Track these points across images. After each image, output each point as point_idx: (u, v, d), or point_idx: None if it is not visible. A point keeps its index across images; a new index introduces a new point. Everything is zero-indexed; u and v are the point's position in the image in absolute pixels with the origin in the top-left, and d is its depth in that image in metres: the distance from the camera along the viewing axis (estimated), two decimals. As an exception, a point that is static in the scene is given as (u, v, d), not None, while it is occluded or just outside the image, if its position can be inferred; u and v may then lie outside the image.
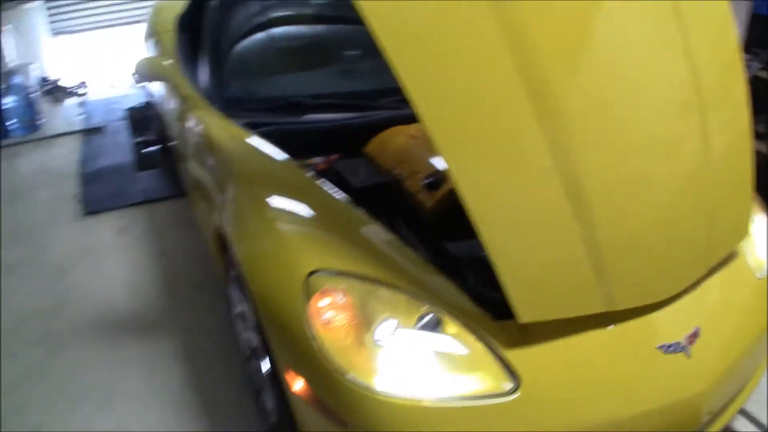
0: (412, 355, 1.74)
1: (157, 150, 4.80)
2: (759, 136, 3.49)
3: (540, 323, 1.79)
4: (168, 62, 3.31)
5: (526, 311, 1.73)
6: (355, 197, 2.25)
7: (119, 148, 5.18)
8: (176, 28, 3.85)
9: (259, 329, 2.09)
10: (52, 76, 6.76)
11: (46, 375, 2.91)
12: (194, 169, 2.95)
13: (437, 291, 1.88)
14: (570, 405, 1.74)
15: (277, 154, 2.48)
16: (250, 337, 2.36)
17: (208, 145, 2.72)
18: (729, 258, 2.16)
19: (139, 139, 5.11)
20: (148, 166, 4.79)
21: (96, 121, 5.75)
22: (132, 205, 4.32)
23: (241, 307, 2.41)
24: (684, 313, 1.93)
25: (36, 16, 6.82)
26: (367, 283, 1.85)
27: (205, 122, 2.84)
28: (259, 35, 3.40)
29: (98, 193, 4.47)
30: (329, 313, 1.80)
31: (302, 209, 2.18)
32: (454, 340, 1.77)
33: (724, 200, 2.07)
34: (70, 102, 6.41)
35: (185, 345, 2.99)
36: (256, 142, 2.59)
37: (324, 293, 1.82)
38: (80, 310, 3.33)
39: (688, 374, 1.83)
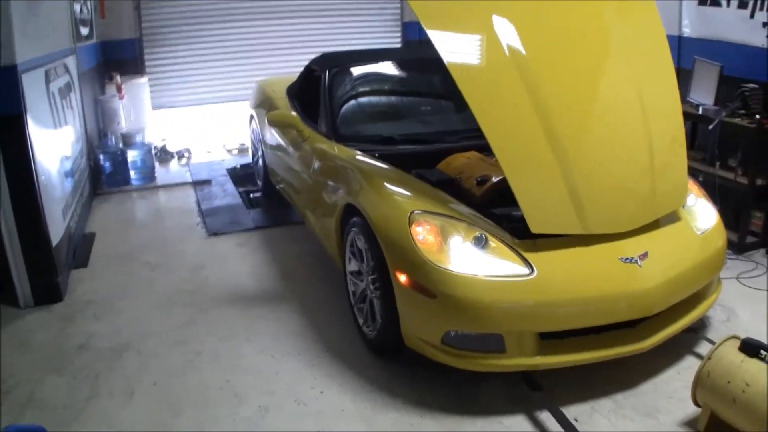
0: (471, 255, 3.22)
1: (261, 195, 6.53)
2: (729, 168, 5.00)
3: (544, 240, 3.27)
4: (293, 114, 4.96)
5: (535, 225, 3.24)
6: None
7: (227, 195, 6.82)
8: (287, 95, 5.58)
9: (374, 268, 3.55)
10: (154, 142, 8.42)
11: (199, 324, 4.24)
12: (316, 181, 4.50)
13: (484, 225, 3.38)
14: (563, 285, 3.17)
15: (381, 163, 4.04)
16: (357, 286, 3.84)
17: (331, 160, 4.31)
18: (674, 220, 3.63)
19: (242, 189, 6.85)
20: (254, 205, 6.52)
21: (202, 177, 7.40)
22: (246, 230, 5.85)
23: (352, 265, 3.89)
24: (638, 241, 3.38)
25: (143, 90, 8.51)
26: (443, 218, 3.37)
27: (328, 147, 4.47)
28: (359, 99, 5.10)
29: (217, 222, 6.02)
30: (422, 234, 3.30)
31: (403, 187, 3.71)
32: (494, 248, 3.25)
33: (664, 179, 3.57)
34: (173, 163, 8.13)
35: (301, 306, 4.40)
36: (366, 157, 4.16)
37: (419, 223, 3.34)
38: (216, 290, 4.72)
39: (638, 276, 3.23)
